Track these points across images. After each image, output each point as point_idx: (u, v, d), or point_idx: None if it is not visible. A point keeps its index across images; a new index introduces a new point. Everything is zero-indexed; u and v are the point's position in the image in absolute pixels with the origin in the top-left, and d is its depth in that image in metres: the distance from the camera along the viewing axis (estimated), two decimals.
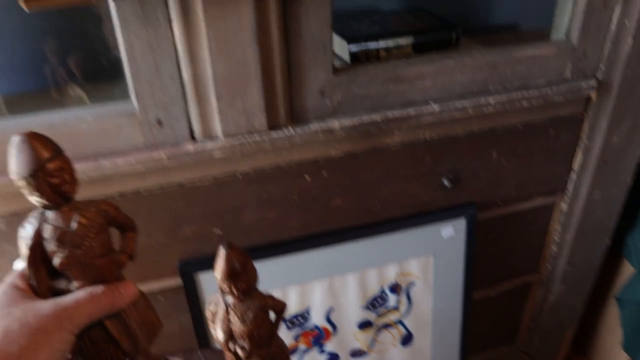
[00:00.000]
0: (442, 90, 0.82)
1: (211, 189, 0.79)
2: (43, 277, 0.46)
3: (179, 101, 0.70)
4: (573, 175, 1.04)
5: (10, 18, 0.91)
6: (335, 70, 0.76)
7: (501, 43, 0.89)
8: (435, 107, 0.81)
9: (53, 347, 0.39)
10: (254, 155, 0.77)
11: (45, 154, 0.43)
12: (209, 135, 0.74)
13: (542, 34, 0.95)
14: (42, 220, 0.45)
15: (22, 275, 0.45)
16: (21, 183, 0.43)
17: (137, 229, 0.49)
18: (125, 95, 0.72)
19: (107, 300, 0.44)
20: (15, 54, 0.94)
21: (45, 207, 0.45)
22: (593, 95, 0.93)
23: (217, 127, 0.73)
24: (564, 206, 1.07)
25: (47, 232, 0.45)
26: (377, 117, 0.79)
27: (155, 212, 0.79)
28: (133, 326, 0.48)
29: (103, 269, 0.46)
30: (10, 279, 0.45)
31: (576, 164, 1.02)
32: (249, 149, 0.75)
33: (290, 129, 0.76)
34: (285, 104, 0.75)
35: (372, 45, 0.87)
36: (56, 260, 0.44)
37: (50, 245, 0.45)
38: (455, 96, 0.83)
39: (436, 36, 0.91)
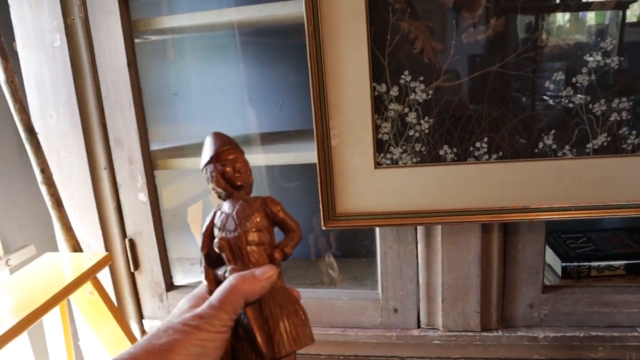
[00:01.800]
0: None
1: None
2: (211, 264, 0.49)
3: (413, 297, 0.92)
4: None
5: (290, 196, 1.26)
6: (545, 290, 0.90)
7: None
8: None
9: (190, 345, 0.41)
10: (465, 347, 0.93)
11: (220, 145, 0.49)
12: (432, 325, 0.93)
13: None
14: (218, 210, 0.49)
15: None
16: (203, 173, 0.49)
17: (301, 234, 0.49)
18: (373, 283, 0.97)
19: (237, 292, 0.43)
20: None
21: (220, 196, 0.49)
22: None
23: (439, 321, 0.92)
24: None
25: (217, 218, 0.49)
26: (580, 333, 0.89)
27: None
28: (278, 331, 0.44)
29: (254, 258, 0.47)
30: (198, 288, 0.49)
31: None
32: (462, 342, 0.92)
33: (500, 332, 0.91)
34: (497, 311, 0.91)
35: (584, 263, 0.99)
36: (215, 242, 0.47)
37: (216, 230, 0.48)
38: None
39: None
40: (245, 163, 0.50)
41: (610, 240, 1.07)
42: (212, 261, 0.49)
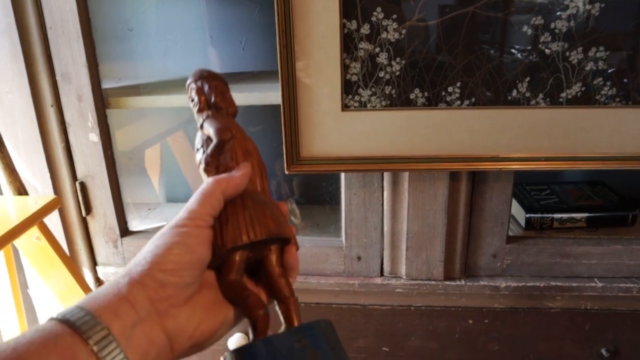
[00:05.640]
0: (607, 269, 0.90)
1: (387, 314, 0.96)
2: None
3: (377, 245, 0.90)
4: None
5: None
6: (509, 240, 0.89)
7: None
8: (598, 283, 0.90)
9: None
10: (428, 295, 0.93)
11: (206, 73, 0.51)
12: (395, 274, 0.92)
13: None
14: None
15: None
16: (188, 91, 0.51)
17: (219, 138, 0.47)
18: (336, 230, 0.94)
19: (219, 187, 0.45)
20: None
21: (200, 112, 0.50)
22: None
23: (402, 270, 0.91)
24: None
25: None
26: (541, 283, 0.90)
27: (340, 322, 0.98)
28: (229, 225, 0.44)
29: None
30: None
31: None
32: (425, 291, 0.91)
33: (462, 281, 0.90)
34: (461, 260, 0.90)
35: (547, 215, 0.99)
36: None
37: None
38: (621, 277, 0.91)
39: (611, 215, 1.00)
40: (221, 88, 0.51)
41: (572, 192, 1.07)
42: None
